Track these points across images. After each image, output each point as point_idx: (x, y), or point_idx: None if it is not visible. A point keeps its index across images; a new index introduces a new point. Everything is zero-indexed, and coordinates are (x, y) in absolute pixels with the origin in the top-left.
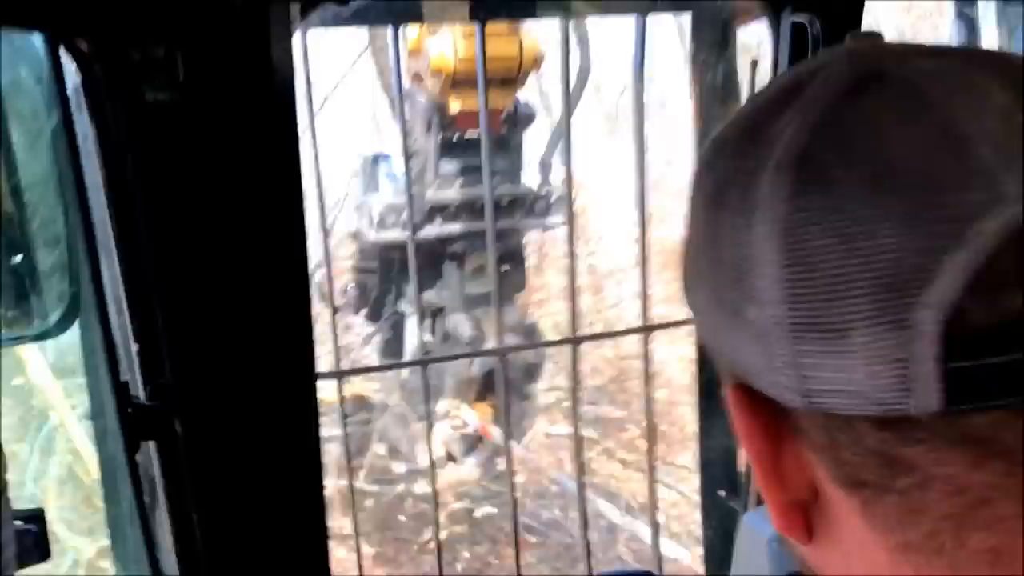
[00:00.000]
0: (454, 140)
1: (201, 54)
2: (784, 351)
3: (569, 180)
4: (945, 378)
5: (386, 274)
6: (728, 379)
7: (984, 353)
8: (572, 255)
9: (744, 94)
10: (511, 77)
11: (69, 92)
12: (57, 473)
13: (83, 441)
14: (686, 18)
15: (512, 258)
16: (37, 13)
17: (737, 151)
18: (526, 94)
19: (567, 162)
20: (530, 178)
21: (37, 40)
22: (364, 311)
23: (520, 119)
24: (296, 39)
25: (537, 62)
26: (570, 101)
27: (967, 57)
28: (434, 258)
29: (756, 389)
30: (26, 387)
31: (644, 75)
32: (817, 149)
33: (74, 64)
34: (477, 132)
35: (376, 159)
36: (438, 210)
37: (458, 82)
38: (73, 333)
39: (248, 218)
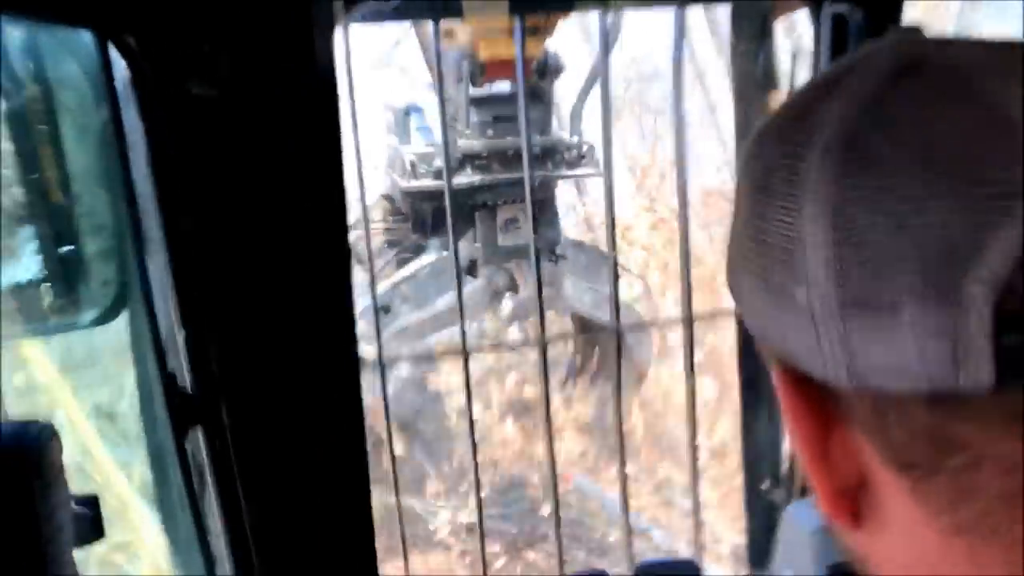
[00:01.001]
0: (484, 91)
1: (246, 50)
2: (832, 331)
3: (609, 192)
4: (996, 354)
5: (418, 225)
6: (775, 363)
7: None
8: (613, 247)
9: (784, 85)
10: (540, 26)
11: (118, 87)
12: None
13: (92, 437)
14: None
15: (545, 210)
16: (86, 10)
17: (782, 137)
18: (555, 44)
19: (607, 180)
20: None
21: (87, 36)
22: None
23: (550, 69)
24: (338, 35)
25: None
26: (609, 96)
27: (1013, 46)
28: (465, 209)
29: (804, 372)
30: (28, 384)
31: (682, 66)
32: (864, 130)
33: (122, 60)
34: (507, 83)
35: (408, 111)
36: (469, 159)
37: (489, 30)
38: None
39: (291, 209)
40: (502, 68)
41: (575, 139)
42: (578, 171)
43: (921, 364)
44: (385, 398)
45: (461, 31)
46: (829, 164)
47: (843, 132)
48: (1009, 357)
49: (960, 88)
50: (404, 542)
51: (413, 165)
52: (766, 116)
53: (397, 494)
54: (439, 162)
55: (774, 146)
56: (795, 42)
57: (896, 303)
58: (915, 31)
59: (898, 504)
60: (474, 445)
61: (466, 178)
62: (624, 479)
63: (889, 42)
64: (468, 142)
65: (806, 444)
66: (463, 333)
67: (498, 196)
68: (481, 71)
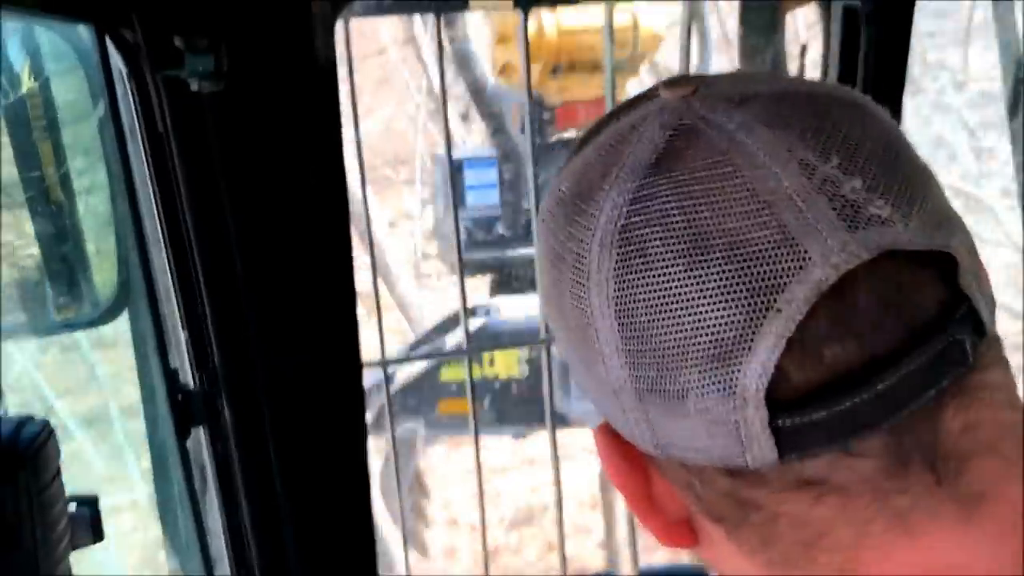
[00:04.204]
0: (554, 141)
1: (244, 44)
2: (634, 408)
3: None
4: (775, 436)
5: None
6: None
7: (807, 410)
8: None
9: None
10: (622, 57)
11: (116, 82)
12: None
13: None
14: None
15: None
16: (84, 5)
17: (569, 217)
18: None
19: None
20: None
21: (85, 31)
22: None
23: None
24: (339, 28)
25: (655, 42)
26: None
27: (775, 101)
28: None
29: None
30: None
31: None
32: (636, 223)
33: (120, 55)
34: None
35: (460, 165)
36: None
37: (560, 67)
38: None
39: (291, 206)
40: (585, 111)
41: None
42: None
43: (712, 445)
44: (388, 399)
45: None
46: (606, 257)
47: (618, 224)
48: (787, 437)
49: (723, 170)
50: (405, 543)
51: (469, 232)
52: (559, 176)
53: (400, 493)
54: (502, 228)
55: (564, 225)
56: (804, 35)
57: (682, 393)
58: (686, 82)
59: (720, 541)
60: (477, 444)
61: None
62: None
63: (659, 106)
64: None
65: (632, 497)
66: (466, 332)
67: None
68: (552, 119)
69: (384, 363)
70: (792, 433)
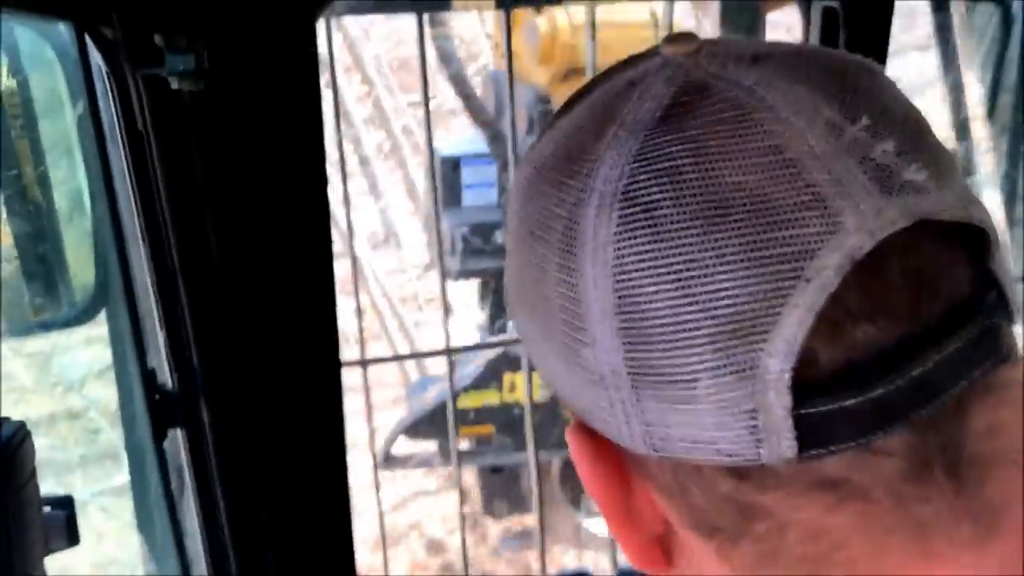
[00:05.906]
0: None
1: (225, 42)
2: (625, 398)
3: None
4: (797, 426)
5: None
6: (572, 417)
7: (836, 395)
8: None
9: None
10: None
11: (95, 80)
12: None
13: None
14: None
15: None
16: (63, 1)
17: (556, 180)
18: None
19: None
20: None
21: (65, 28)
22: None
23: None
24: (320, 26)
25: None
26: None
27: (791, 60)
28: None
29: (599, 432)
30: None
31: None
32: (642, 182)
33: (100, 52)
34: None
35: (456, 163)
36: None
37: (575, 69)
38: None
39: (272, 205)
40: None
41: None
42: None
43: (720, 437)
44: (367, 399)
45: (536, 67)
46: (606, 220)
47: (620, 183)
48: (810, 428)
49: (742, 126)
50: (384, 542)
51: (466, 240)
52: (538, 142)
53: (378, 493)
54: (502, 237)
55: (549, 190)
56: (784, 37)
57: (689, 377)
58: (689, 39)
59: (705, 561)
60: (456, 441)
61: None
62: None
63: (661, 60)
64: None
65: (608, 506)
66: (446, 332)
67: None
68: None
69: (363, 362)
70: (816, 423)
